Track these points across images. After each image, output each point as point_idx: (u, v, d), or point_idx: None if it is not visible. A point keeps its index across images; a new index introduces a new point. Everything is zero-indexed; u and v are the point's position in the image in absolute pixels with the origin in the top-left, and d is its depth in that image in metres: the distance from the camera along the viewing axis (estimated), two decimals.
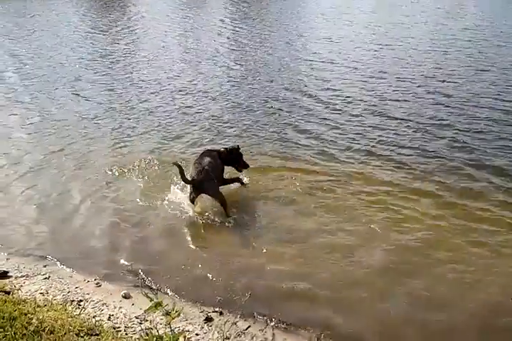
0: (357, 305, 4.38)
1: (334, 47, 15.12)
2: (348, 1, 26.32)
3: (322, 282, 4.66)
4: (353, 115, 9.08)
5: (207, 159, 6.00)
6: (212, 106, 9.97)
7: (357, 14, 22.06)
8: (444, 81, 10.94)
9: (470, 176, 6.61)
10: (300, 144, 7.86)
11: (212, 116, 9.36)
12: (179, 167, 5.51)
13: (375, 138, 7.97)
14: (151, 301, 3.16)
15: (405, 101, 9.79)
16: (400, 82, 11.08)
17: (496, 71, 11.59)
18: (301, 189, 6.41)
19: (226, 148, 6.36)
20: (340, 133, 8.23)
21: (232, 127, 8.76)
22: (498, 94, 9.85)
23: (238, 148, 6.44)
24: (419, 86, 10.73)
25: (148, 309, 3.19)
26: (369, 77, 11.59)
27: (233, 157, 6.36)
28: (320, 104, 9.74)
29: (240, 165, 6.45)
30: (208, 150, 6.36)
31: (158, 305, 3.25)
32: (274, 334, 4.10)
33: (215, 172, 5.96)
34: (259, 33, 17.96)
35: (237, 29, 18.96)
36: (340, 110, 9.37)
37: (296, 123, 8.79)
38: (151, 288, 4.03)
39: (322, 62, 13.22)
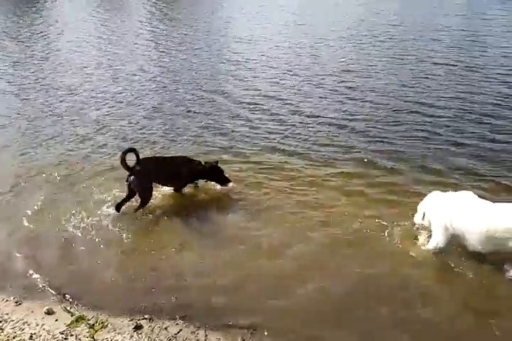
0: (287, 304, 4.38)
1: (253, 46, 15.26)
2: (271, 2, 26.47)
3: (249, 281, 4.69)
4: (267, 113, 9.23)
5: (163, 160, 6.17)
6: (127, 111, 9.73)
7: (279, 14, 22.27)
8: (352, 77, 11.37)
9: (383, 167, 6.89)
10: (216, 145, 7.86)
11: (127, 121, 9.12)
12: (124, 153, 5.70)
13: (290, 135, 8.15)
14: (72, 316, 3.05)
15: (319, 97, 10.02)
16: (313, 79, 11.32)
17: (411, 63, 12.20)
18: (221, 190, 6.45)
19: (206, 162, 6.29)
20: (256, 132, 8.32)
21: (148, 131, 8.59)
22: (405, 86, 10.41)
23: (217, 163, 6.33)
24: (333, 82, 11.03)
25: (69, 324, 3.09)
26: (285, 75, 11.77)
27: (214, 172, 6.27)
28: (236, 104, 9.81)
29: (221, 180, 6.33)
30: (183, 156, 6.40)
31: (79, 318, 3.16)
32: (207, 335, 4.08)
33: (162, 173, 6.01)
34: (179, 34, 17.73)
35: (156, 30, 18.68)
36: (256, 109, 9.44)
37: (213, 124, 8.80)
38: (71, 302, 3.88)
39: (239, 61, 13.29)
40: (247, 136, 8.16)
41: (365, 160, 7.09)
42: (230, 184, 6.36)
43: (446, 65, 11.84)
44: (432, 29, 16.70)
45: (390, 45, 14.46)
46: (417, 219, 5.06)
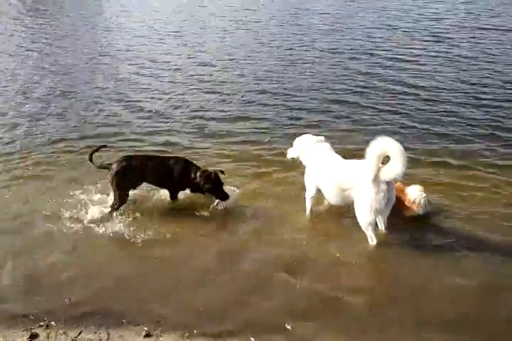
0: (187, 296, 4.36)
1: (125, 36, 15.11)
2: None
3: (145, 277, 4.62)
4: (136, 106, 9.22)
5: (157, 161, 5.52)
6: None
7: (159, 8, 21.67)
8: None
9: None
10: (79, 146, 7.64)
11: None
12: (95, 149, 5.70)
13: (158, 129, 8.17)
14: None
15: (195, 89, 10.09)
16: (186, 68, 11.42)
17: (280, 50, 12.67)
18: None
19: (206, 170, 5.45)
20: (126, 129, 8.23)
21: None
22: (272, 71, 10.85)
23: (219, 174, 5.49)
24: (203, 71, 11.23)
25: None
26: (157, 65, 11.82)
27: (212, 183, 5.39)
28: (104, 98, 9.76)
29: (218, 194, 5.48)
30: (185, 160, 5.58)
31: None
32: (109, 333, 3.99)
33: (153, 174, 5.47)
34: (53, 29, 16.92)
35: (16, 22, 17.63)
36: (127, 103, 9.42)
37: (77, 121, 8.66)
38: None
39: (108, 52, 13.26)
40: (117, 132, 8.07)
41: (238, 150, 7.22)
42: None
43: (314, 49, 12.46)
44: (301, 14, 17.42)
45: (260, 31, 14.86)
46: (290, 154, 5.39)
